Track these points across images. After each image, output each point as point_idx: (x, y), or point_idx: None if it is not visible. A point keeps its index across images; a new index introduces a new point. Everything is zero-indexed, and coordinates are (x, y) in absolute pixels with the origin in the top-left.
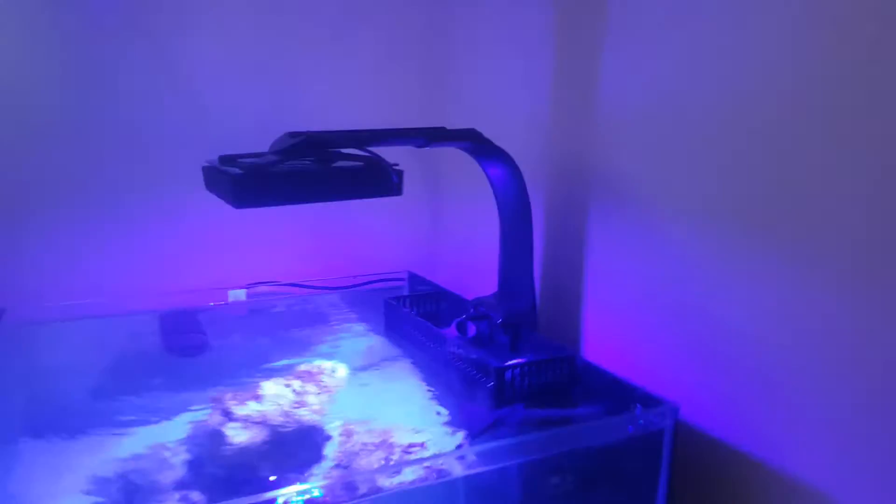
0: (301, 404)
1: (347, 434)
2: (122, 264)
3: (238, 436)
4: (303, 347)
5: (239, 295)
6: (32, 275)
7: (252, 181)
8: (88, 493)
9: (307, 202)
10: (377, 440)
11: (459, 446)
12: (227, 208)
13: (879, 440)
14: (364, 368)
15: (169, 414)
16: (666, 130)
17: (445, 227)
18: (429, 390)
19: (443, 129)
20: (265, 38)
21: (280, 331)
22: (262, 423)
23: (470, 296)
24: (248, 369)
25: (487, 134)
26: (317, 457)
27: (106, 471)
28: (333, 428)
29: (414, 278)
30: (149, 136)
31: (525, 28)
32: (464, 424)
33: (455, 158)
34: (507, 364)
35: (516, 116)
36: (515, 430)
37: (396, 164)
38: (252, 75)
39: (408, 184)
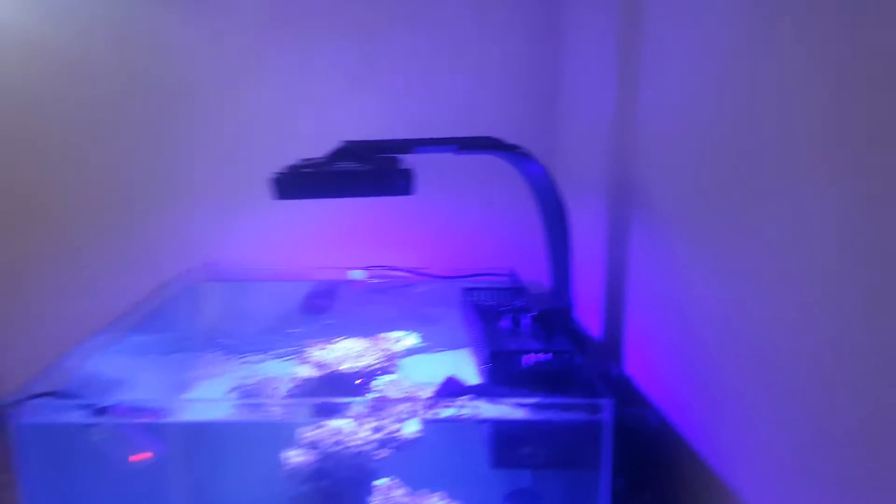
0: (359, 359)
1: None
2: (284, 242)
3: (303, 373)
4: (397, 320)
5: (361, 275)
6: (233, 246)
7: (289, 181)
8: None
9: (327, 197)
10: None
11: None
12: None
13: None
14: (431, 340)
15: (281, 351)
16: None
17: None
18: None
19: (472, 137)
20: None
21: (387, 306)
22: (322, 366)
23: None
24: (341, 330)
25: (572, 152)
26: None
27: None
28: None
29: (513, 276)
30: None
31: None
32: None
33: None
34: (501, 351)
35: (590, 142)
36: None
37: (409, 169)
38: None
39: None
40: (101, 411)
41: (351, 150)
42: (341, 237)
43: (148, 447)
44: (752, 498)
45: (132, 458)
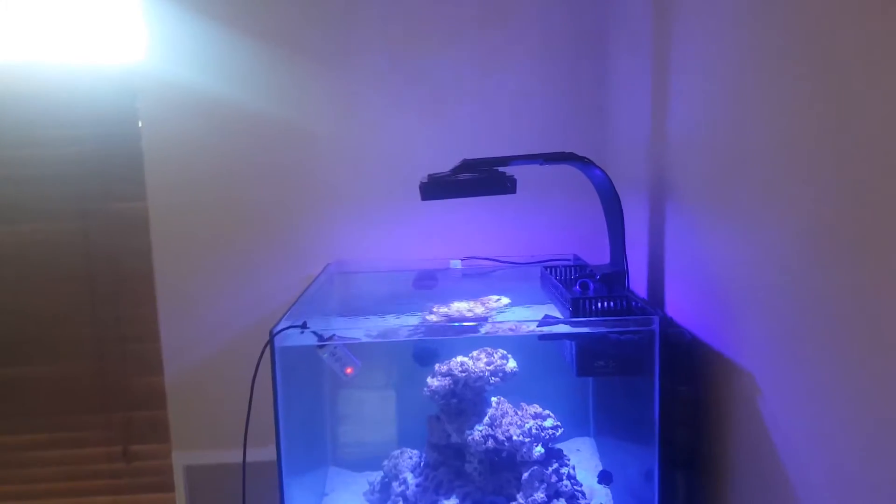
0: (471, 311)
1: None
2: (397, 241)
3: (432, 319)
4: (489, 291)
5: (457, 263)
6: (357, 247)
7: (431, 186)
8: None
9: (459, 197)
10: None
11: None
12: (455, 209)
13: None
14: (518, 302)
15: (407, 312)
16: (711, 157)
17: None
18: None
19: (555, 152)
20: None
21: (480, 283)
22: (445, 316)
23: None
24: (452, 297)
25: (611, 156)
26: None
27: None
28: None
29: (577, 259)
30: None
31: (635, 83)
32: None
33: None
34: (578, 297)
35: (628, 145)
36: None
37: (512, 175)
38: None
39: (580, 196)
40: (326, 339)
41: (468, 165)
42: (439, 236)
43: (354, 363)
44: (753, 366)
45: (347, 371)
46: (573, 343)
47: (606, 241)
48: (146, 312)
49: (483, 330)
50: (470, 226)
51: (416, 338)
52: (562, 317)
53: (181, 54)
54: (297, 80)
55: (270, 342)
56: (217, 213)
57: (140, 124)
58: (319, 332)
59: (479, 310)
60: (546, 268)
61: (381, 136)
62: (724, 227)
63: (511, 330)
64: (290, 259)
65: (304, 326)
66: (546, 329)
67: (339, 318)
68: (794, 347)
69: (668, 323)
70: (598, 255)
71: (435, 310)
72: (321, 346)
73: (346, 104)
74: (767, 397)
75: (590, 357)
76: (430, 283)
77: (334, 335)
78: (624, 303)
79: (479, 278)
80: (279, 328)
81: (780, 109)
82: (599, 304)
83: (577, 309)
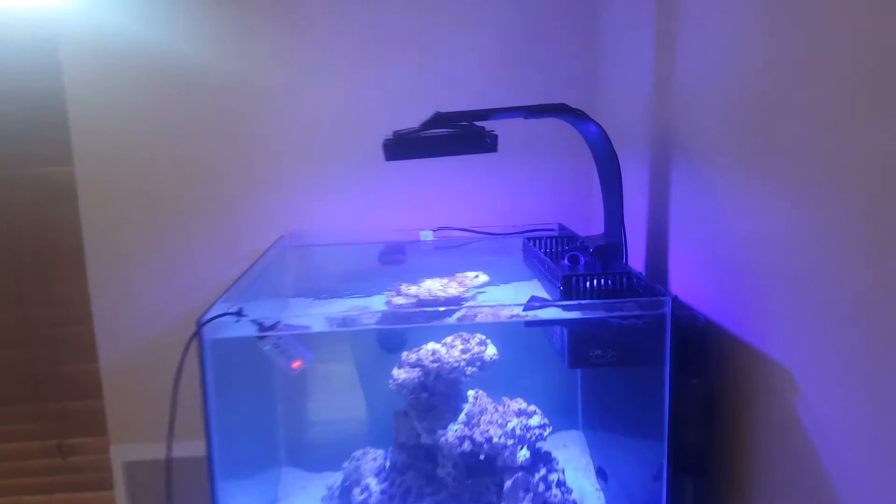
0: (444, 291)
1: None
2: (356, 211)
3: (399, 302)
4: (465, 267)
5: (428, 235)
6: (312, 217)
7: (397, 144)
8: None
9: (430, 157)
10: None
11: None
12: (425, 172)
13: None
14: (499, 280)
15: (372, 292)
16: (725, 109)
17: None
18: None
19: (539, 105)
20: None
21: (454, 257)
22: (415, 297)
23: None
24: (423, 274)
25: (605, 109)
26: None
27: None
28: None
29: (562, 228)
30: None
31: (634, 27)
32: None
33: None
34: (570, 274)
35: (625, 95)
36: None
37: (493, 131)
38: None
39: (565, 156)
40: (269, 327)
41: (441, 119)
42: (407, 203)
43: (304, 356)
44: (791, 362)
45: (294, 365)
46: (565, 329)
47: (592, 208)
48: (77, 293)
49: (456, 317)
50: (442, 191)
51: (376, 326)
52: (550, 298)
53: None
54: (241, 29)
55: (198, 333)
56: (153, 180)
57: (64, 79)
58: (260, 321)
59: (452, 289)
60: (529, 239)
61: (338, 89)
62: (754, 193)
63: (492, 316)
64: (238, 231)
65: (239, 314)
66: (533, 314)
67: (288, 301)
68: (848, 345)
69: (677, 304)
70: (585, 224)
71: (403, 289)
72: (261, 338)
73: (297, 52)
74: (810, 401)
75: (584, 345)
76: (397, 258)
77: (279, 322)
78: (625, 280)
79: (453, 251)
80: (208, 317)
81: (842, 42)
82: (595, 283)
83: (568, 288)
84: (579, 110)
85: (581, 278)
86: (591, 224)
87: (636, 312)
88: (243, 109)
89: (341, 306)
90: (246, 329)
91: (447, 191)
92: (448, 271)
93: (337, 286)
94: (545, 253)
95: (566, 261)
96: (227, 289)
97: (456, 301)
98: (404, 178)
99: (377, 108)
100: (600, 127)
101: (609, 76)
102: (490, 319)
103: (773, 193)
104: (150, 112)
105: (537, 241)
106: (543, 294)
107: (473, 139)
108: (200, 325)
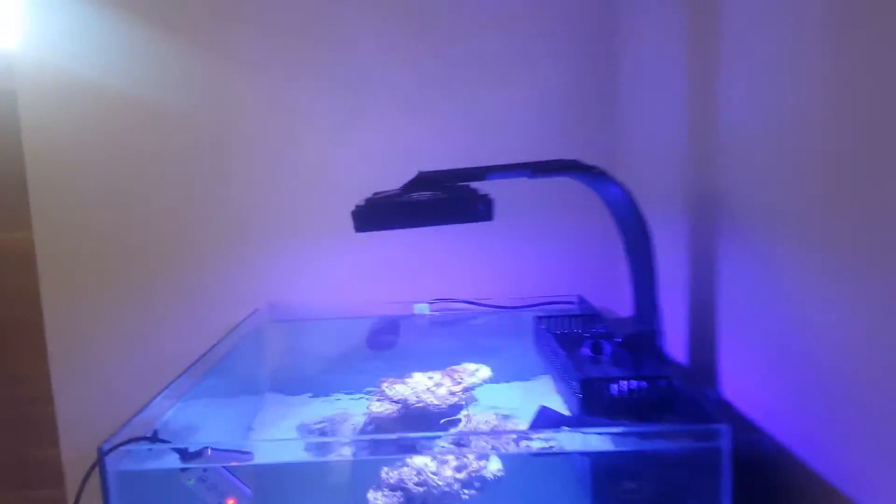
0: (431, 396)
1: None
2: (345, 280)
3: (379, 410)
4: (464, 350)
5: (424, 308)
6: (296, 287)
7: (368, 212)
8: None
9: (409, 227)
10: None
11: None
12: (421, 235)
13: None
14: (504, 373)
15: (356, 387)
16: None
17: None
18: (542, 397)
19: (547, 161)
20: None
21: (453, 339)
22: (399, 402)
23: None
24: (413, 364)
25: (627, 163)
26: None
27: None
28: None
29: (582, 301)
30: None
31: (663, 72)
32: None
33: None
34: (590, 378)
35: (657, 151)
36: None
37: (487, 195)
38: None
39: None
40: (194, 455)
41: (426, 180)
42: (400, 272)
43: (239, 491)
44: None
45: (227, 502)
46: (587, 456)
47: (618, 275)
48: (38, 369)
49: (442, 444)
50: (439, 258)
51: (338, 459)
52: (565, 407)
53: (64, 40)
54: (217, 77)
55: (100, 464)
56: (116, 245)
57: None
58: (182, 449)
59: (444, 390)
60: (541, 317)
61: (326, 144)
62: (838, 272)
63: (491, 436)
64: (211, 302)
65: (154, 439)
66: (541, 443)
67: (262, 396)
68: None
69: (737, 423)
70: (610, 295)
71: (386, 390)
72: (184, 470)
73: (277, 103)
74: None
75: (612, 477)
76: (388, 341)
77: (207, 449)
78: (663, 386)
79: (450, 329)
80: (111, 443)
81: None
82: (627, 389)
83: (589, 396)
84: (596, 167)
85: (605, 383)
86: (617, 295)
87: (683, 441)
88: (218, 167)
89: (315, 411)
90: (164, 458)
91: (446, 257)
92: (444, 357)
93: (318, 376)
94: (561, 335)
95: (588, 349)
96: (177, 377)
97: (448, 411)
98: (397, 244)
99: (368, 164)
100: (623, 187)
101: (632, 123)
102: (483, 446)
103: (870, 277)
104: (115, 174)
105: (551, 321)
106: (556, 400)
107: (462, 205)
108: (102, 453)
